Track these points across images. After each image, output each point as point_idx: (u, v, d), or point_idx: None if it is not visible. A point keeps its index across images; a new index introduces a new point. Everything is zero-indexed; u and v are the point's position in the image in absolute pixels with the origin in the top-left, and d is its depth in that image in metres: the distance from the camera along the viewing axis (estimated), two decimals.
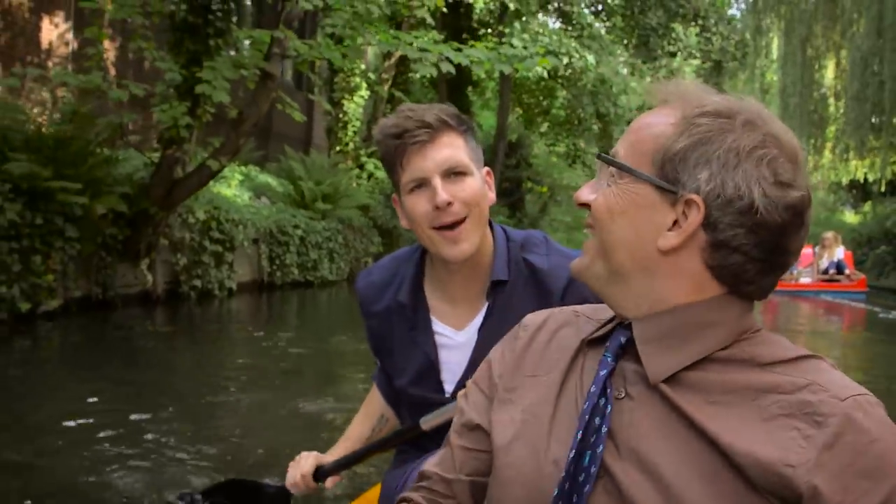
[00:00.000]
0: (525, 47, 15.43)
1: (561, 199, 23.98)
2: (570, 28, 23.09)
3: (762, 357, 1.05)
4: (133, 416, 5.46)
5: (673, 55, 28.18)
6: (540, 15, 22.92)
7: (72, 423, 5.19)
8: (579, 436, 1.05)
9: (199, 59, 9.36)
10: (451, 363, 1.92)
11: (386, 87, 19.83)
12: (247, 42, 10.28)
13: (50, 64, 12.84)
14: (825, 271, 18.14)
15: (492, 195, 1.88)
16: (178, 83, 9.44)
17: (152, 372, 7.38)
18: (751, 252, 1.05)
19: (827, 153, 29.31)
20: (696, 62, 31.15)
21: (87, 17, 12.66)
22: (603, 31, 24.57)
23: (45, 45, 12.85)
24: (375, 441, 2.08)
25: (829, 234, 18.34)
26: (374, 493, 2.39)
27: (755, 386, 1.02)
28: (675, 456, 1.01)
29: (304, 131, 20.52)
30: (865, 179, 31.74)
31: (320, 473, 1.99)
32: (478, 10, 16.71)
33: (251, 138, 13.18)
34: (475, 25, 22.16)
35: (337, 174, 17.39)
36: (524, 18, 21.07)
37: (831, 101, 30.42)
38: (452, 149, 1.79)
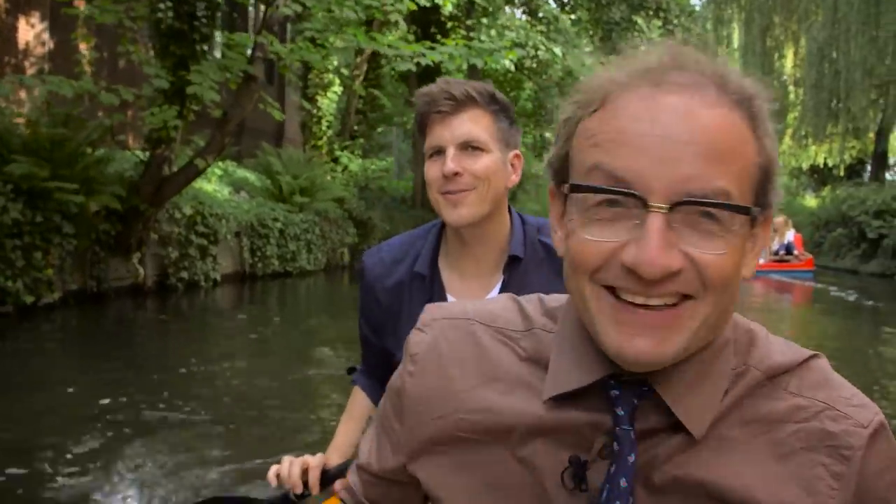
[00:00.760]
0: (492, 42, 16.00)
1: (529, 187, 24.67)
2: (536, 23, 23.62)
3: (769, 365, 0.92)
4: (144, 408, 6.14)
5: (636, 48, 28.59)
6: (507, 8, 23.40)
7: (94, 411, 5.84)
8: None
9: (186, 63, 9.90)
10: None
11: (358, 83, 20.36)
12: (224, 45, 10.77)
13: (27, 64, 13.20)
14: (776, 252, 19.39)
15: (515, 177, 1.89)
16: (166, 87, 9.95)
17: (153, 355, 8.19)
18: None
19: (787, 139, 30.17)
20: None
21: (64, 18, 13.02)
22: (568, 24, 25.10)
23: (21, 45, 13.18)
24: None
25: (780, 219, 19.45)
26: None
27: (767, 417, 0.89)
28: None
29: (276, 126, 20.98)
30: (825, 164, 32.72)
31: (326, 478, 1.80)
32: (446, 12, 17.22)
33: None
34: (443, 19, 22.65)
35: (313, 168, 17.91)
36: (491, 14, 21.59)
37: (791, 88, 31.32)
38: (473, 124, 1.81)
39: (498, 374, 0.96)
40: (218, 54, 12.28)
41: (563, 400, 0.91)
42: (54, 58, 13.60)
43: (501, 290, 1.87)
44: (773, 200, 0.87)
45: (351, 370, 2.20)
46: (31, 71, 13.00)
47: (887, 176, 31.67)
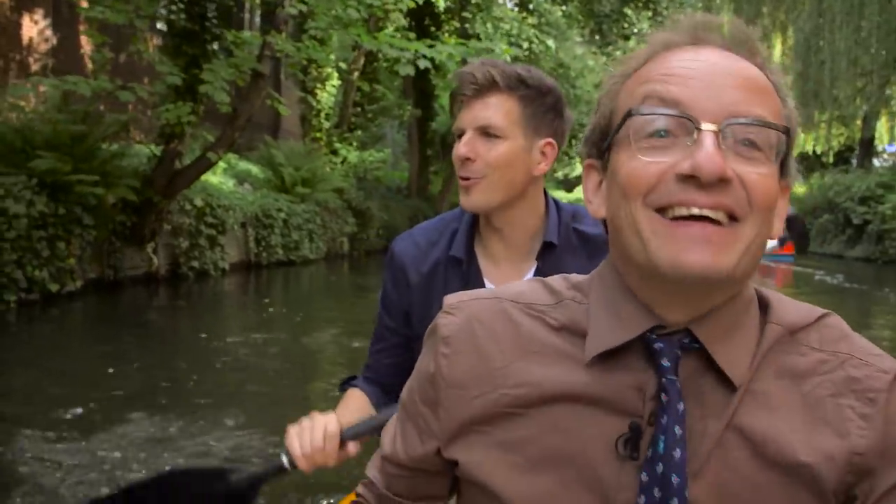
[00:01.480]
0: (490, 40, 16.42)
1: None
2: (528, 15, 24.04)
3: (789, 322, 0.96)
4: (161, 382, 6.78)
5: (627, 38, 29.43)
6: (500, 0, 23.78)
7: (120, 382, 6.44)
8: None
9: (198, 62, 10.38)
10: None
11: (356, 76, 20.79)
12: (232, 44, 11.23)
13: (31, 60, 13.52)
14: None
15: (543, 166, 1.83)
16: (178, 84, 10.41)
17: (169, 335, 9.10)
18: None
19: None
20: None
21: (66, 14, 13.32)
22: (560, 16, 25.48)
23: (25, 41, 13.50)
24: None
25: None
26: None
27: (793, 371, 0.93)
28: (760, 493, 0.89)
29: (272, 119, 21.35)
30: (814, 152, 33.20)
31: (342, 438, 1.68)
32: (441, 6, 17.62)
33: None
34: (437, 12, 22.97)
35: (313, 160, 18.34)
36: (485, 9, 21.97)
37: None
38: (494, 110, 1.77)
39: (534, 347, 0.97)
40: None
41: (604, 362, 0.93)
42: (57, 54, 13.92)
43: (535, 275, 1.83)
44: (792, 171, 0.94)
45: (344, 384, 2.07)
46: (35, 67, 13.33)
47: (875, 162, 32.12)
